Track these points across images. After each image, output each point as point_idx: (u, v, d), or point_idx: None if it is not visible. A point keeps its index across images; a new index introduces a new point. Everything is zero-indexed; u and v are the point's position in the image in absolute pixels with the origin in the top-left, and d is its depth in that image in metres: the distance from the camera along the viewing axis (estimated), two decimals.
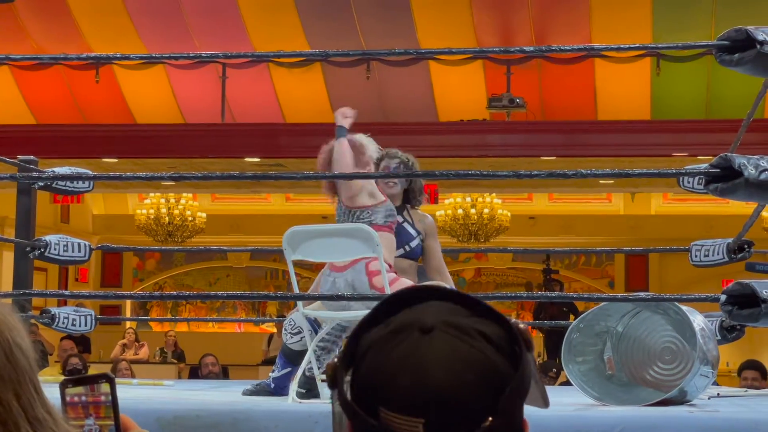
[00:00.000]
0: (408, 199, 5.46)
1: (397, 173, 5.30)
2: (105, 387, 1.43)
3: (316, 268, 5.53)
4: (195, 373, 13.47)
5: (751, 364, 8.33)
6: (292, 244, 4.82)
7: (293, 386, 4.76)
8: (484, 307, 1.25)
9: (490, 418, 1.18)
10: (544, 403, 1.30)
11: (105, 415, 1.43)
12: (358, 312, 4.80)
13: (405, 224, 5.35)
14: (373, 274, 4.78)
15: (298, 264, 4.98)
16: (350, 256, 4.78)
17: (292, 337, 5.17)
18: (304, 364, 4.90)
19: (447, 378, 1.19)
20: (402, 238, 5.31)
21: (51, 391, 1.44)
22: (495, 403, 1.19)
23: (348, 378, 1.24)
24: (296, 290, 5.04)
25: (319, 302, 5.10)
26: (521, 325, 1.25)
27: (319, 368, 4.92)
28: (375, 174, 4.96)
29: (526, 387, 1.23)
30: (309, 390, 4.88)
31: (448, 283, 5.35)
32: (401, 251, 5.31)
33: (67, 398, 1.45)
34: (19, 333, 1.38)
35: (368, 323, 1.27)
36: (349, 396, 1.23)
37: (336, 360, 1.27)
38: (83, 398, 1.43)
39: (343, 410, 1.24)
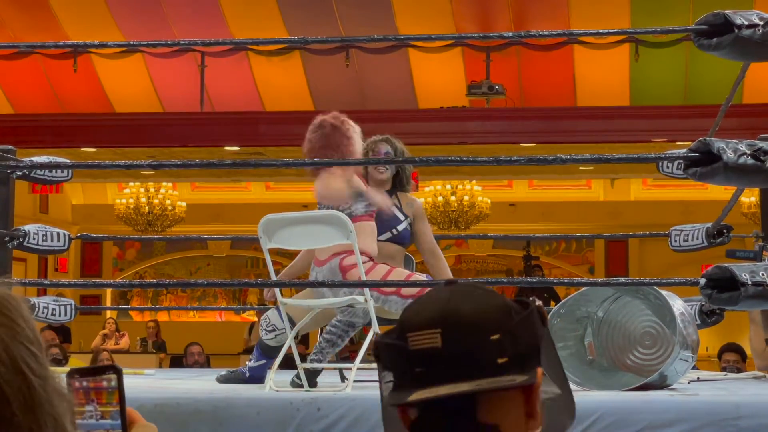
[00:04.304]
0: (397, 184, 5.48)
1: (378, 160, 5.30)
2: (110, 377, 1.42)
3: (295, 255, 5.52)
4: (177, 362, 13.43)
5: (731, 347, 8.43)
6: (268, 232, 4.81)
7: (270, 374, 4.75)
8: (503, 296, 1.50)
9: (498, 334, 1.40)
10: (570, 415, 1.63)
11: (107, 401, 1.41)
12: (332, 300, 4.82)
13: (393, 208, 5.35)
14: (347, 269, 4.80)
15: (276, 252, 4.97)
16: (324, 243, 4.78)
17: (267, 334, 5.22)
18: (281, 356, 4.90)
19: (464, 304, 1.43)
20: (390, 221, 5.32)
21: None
22: (505, 324, 1.42)
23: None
24: (274, 278, 5.03)
25: (306, 292, 5.16)
26: (537, 302, 1.49)
27: (321, 360, 4.96)
28: (356, 161, 4.94)
29: (535, 329, 1.45)
30: (307, 379, 4.87)
31: (442, 263, 5.40)
32: (388, 234, 5.32)
33: (75, 385, 1.44)
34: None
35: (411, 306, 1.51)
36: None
37: (380, 335, 1.49)
38: (84, 384, 1.41)
39: (381, 353, 1.46)
